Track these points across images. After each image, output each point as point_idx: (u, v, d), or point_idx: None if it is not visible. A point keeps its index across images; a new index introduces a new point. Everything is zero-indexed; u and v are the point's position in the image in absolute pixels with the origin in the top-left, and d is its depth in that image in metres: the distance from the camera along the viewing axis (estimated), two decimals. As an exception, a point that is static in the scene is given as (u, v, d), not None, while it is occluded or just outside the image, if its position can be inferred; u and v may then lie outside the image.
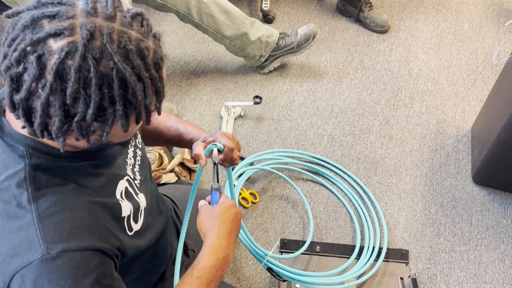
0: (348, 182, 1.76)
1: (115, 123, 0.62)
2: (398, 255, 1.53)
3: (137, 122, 0.65)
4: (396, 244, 1.58)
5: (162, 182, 1.54)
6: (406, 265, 1.51)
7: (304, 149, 1.87)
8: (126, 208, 0.77)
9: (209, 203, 0.91)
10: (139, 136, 0.95)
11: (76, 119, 0.59)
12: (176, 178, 1.57)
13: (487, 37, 2.40)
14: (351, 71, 2.24)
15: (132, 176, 0.84)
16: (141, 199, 0.83)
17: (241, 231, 1.37)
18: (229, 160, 0.97)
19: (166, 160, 1.56)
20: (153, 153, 1.56)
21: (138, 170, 0.88)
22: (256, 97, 1.96)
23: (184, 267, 1.09)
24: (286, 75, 2.19)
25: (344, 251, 1.53)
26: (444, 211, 1.69)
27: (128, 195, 0.79)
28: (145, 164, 0.93)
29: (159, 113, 0.68)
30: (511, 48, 1.65)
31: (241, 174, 1.66)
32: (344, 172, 1.80)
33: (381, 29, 2.39)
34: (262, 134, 1.93)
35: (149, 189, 0.90)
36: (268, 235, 1.59)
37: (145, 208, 0.84)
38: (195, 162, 1.70)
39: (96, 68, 0.57)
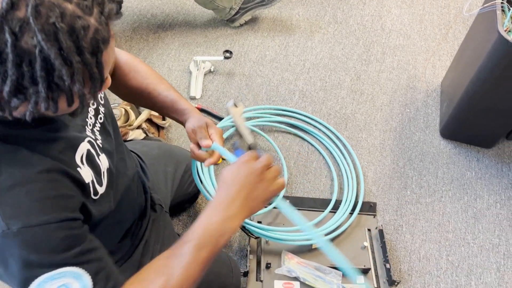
0: (323, 132, 1.76)
1: (39, 104, 0.56)
2: (366, 207, 1.56)
3: (68, 105, 0.59)
4: (365, 197, 1.61)
5: (129, 139, 1.50)
6: (374, 217, 1.54)
7: (275, 105, 1.85)
8: (87, 174, 0.72)
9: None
10: (103, 92, 0.90)
11: None
12: (144, 135, 1.54)
13: (460, -9, 2.38)
14: (323, 25, 2.19)
15: (93, 137, 0.79)
16: (103, 161, 0.79)
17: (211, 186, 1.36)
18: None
19: (132, 116, 1.52)
20: (119, 109, 1.51)
21: (98, 129, 0.83)
22: (226, 51, 1.91)
23: (151, 222, 1.08)
24: (258, 29, 2.13)
25: (318, 205, 1.54)
26: (412, 165, 1.72)
27: (89, 158, 0.74)
28: (108, 121, 0.88)
29: (94, 100, 0.62)
30: (482, 1, 1.63)
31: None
32: (318, 122, 1.79)
33: (355, -18, 2.34)
34: (233, 90, 1.90)
35: (112, 148, 0.86)
36: (239, 190, 1.59)
37: (107, 169, 0.80)
38: (164, 119, 1.66)
39: (14, 43, 0.50)
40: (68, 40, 0.52)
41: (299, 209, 1.52)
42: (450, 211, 1.60)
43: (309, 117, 1.81)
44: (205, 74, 1.92)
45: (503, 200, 1.64)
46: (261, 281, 1.34)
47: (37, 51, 0.51)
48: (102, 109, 0.86)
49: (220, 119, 1.77)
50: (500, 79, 1.45)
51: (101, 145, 0.81)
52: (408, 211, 1.59)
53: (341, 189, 1.60)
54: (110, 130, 0.89)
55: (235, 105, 0.74)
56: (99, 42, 0.56)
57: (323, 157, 1.70)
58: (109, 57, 0.61)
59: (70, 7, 0.52)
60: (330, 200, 1.55)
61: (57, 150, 0.68)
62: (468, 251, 1.51)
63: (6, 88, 0.53)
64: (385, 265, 1.40)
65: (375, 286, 1.37)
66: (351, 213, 1.51)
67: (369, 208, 1.56)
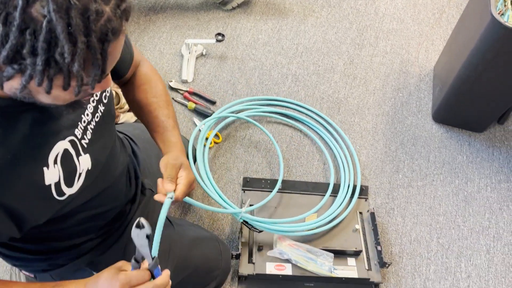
0: (315, 119, 1.76)
1: (34, 79, 0.54)
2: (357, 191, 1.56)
3: (64, 88, 0.57)
4: (357, 181, 1.61)
5: (120, 121, 1.48)
6: (366, 200, 1.55)
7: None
8: (52, 175, 0.70)
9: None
10: (108, 90, 0.86)
11: None
12: (135, 118, 1.52)
13: (454, -25, 2.37)
14: (317, 9, 2.17)
15: (79, 136, 0.76)
16: (83, 162, 0.77)
17: (214, 190, 1.39)
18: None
19: (123, 99, 1.50)
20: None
21: (92, 127, 0.81)
22: (219, 34, 1.89)
23: (141, 206, 1.07)
24: (250, 12, 2.11)
25: (310, 188, 1.55)
26: (404, 149, 1.73)
27: (65, 159, 0.72)
28: (107, 121, 0.86)
29: (92, 88, 0.59)
30: (476, -16, 1.62)
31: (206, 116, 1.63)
32: (310, 110, 1.79)
33: (349, -35, 2.31)
34: (225, 73, 1.88)
35: (102, 147, 0.84)
36: (231, 173, 1.59)
37: (88, 170, 0.78)
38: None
39: (24, 8, 0.49)
40: (78, 18, 0.51)
41: (292, 193, 1.52)
42: (441, 194, 1.61)
43: (300, 105, 1.80)
44: (197, 58, 1.90)
45: (493, 184, 1.65)
46: (253, 263, 1.34)
47: (44, 22, 0.50)
48: (101, 108, 0.83)
49: (212, 103, 1.76)
50: (493, 62, 1.45)
51: (85, 145, 0.78)
52: (399, 195, 1.60)
53: (337, 174, 1.60)
54: (106, 130, 0.86)
55: (139, 226, 0.72)
56: (109, 31, 0.55)
57: (316, 142, 1.70)
58: (115, 51, 0.59)
59: None
60: (323, 183, 1.56)
61: (30, 146, 0.66)
62: (458, 234, 1.52)
63: (4, 53, 0.51)
64: (376, 248, 1.41)
65: (367, 268, 1.38)
66: (351, 197, 1.53)
67: (361, 191, 1.56)
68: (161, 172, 0.90)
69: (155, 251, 0.75)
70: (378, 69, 1.98)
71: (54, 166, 0.70)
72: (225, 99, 1.79)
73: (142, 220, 0.72)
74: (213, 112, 1.71)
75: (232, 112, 1.68)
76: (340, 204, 1.48)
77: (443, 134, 1.78)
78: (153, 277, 0.75)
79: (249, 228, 1.33)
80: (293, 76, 1.90)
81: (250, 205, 1.37)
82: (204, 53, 1.91)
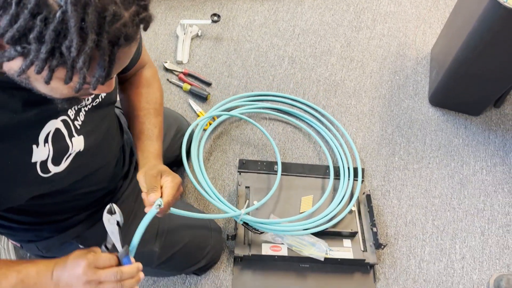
0: (309, 112, 1.75)
1: (34, 65, 0.53)
2: (354, 173, 1.56)
3: (65, 82, 0.56)
4: (354, 163, 1.61)
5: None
6: (362, 182, 1.55)
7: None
8: (42, 153, 0.69)
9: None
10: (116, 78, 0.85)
11: None
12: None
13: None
14: (314, -10, 2.14)
15: (72, 117, 0.75)
16: (76, 142, 0.76)
17: (213, 195, 1.35)
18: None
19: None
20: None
21: (87, 110, 0.79)
22: (214, 15, 1.86)
23: (133, 182, 1.06)
24: (246, -7, 2.08)
25: (306, 170, 1.54)
26: (400, 132, 1.72)
27: (57, 138, 0.71)
28: (104, 105, 0.84)
29: (93, 89, 0.58)
30: (475, -35, 1.60)
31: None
32: (300, 102, 1.77)
33: None
34: (220, 55, 1.85)
35: (96, 130, 0.82)
36: (227, 156, 1.58)
37: (79, 152, 0.77)
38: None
39: None
40: (94, 16, 0.50)
41: (290, 175, 1.52)
42: (437, 177, 1.61)
43: (292, 99, 1.75)
44: (192, 39, 1.87)
45: (489, 167, 1.66)
46: (249, 244, 1.34)
47: (59, 11, 0.49)
48: (103, 94, 0.82)
49: (208, 84, 1.74)
50: (491, 44, 1.43)
51: (78, 127, 0.76)
52: (395, 177, 1.60)
53: (334, 157, 1.59)
54: (102, 114, 0.84)
55: (111, 211, 0.71)
56: (122, 36, 0.54)
57: (310, 133, 1.69)
58: (125, 57, 0.58)
59: None
60: (320, 165, 1.55)
61: (25, 120, 0.65)
62: (453, 216, 1.53)
63: (10, 33, 0.50)
64: (372, 229, 1.41)
65: (362, 249, 1.38)
66: (355, 180, 1.52)
67: (356, 173, 1.56)
68: (141, 184, 0.86)
69: (132, 251, 0.75)
70: (375, 52, 1.96)
71: (45, 145, 0.69)
72: (220, 80, 1.77)
73: (114, 206, 0.71)
74: (208, 94, 1.69)
75: (225, 110, 1.65)
76: (342, 200, 1.45)
77: (440, 117, 1.78)
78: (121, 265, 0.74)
79: (250, 230, 1.31)
80: (289, 58, 1.88)
81: (247, 208, 1.31)
82: (199, 34, 1.88)
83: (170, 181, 0.85)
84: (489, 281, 1.40)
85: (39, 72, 0.53)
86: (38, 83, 0.58)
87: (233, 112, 1.63)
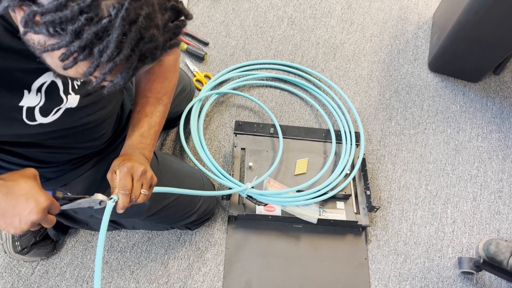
0: (304, 78, 1.72)
1: (59, 51, 0.54)
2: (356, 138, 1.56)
3: (84, 75, 0.57)
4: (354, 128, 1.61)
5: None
6: (357, 146, 1.55)
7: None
8: (31, 100, 0.69)
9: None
10: None
11: None
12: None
13: None
14: (315, -51, 2.07)
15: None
16: (70, 99, 0.76)
17: (216, 171, 1.36)
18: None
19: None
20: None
21: None
22: (212, -28, 1.80)
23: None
24: (246, -49, 2.01)
25: (302, 133, 1.54)
26: (398, 97, 1.71)
27: (51, 90, 0.71)
28: None
29: (102, 86, 0.59)
30: None
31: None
32: (298, 68, 1.74)
33: None
34: (218, 14, 1.81)
35: (95, 93, 0.81)
36: (223, 117, 1.57)
37: (71, 109, 0.77)
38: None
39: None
40: (135, 34, 0.53)
41: (285, 137, 1.52)
42: (432, 143, 1.62)
43: (289, 66, 1.72)
44: (189, -3, 1.82)
45: (484, 134, 1.66)
46: (243, 204, 1.35)
47: (106, 19, 0.51)
48: None
49: (205, 44, 1.71)
50: (494, 7, 1.40)
51: (76, 87, 0.77)
52: (391, 142, 1.60)
53: (333, 121, 1.58)
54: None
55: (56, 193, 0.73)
56: (149, 56, 0.57)
57: (306, 99, 1.67)
58: (142, 69, 0.61)
59: (158, 16, 0.55)
60: (318, 129, 1.55)
61: (17, 66, 0.64)
62: (446, 181, 1.54)
63: (51, 16, 0.50)
64: (365, 192, 1.42)
65: (355, 211, 1.40)
66: (357, 145, 1.52)
67: (354, 137, 1.55)
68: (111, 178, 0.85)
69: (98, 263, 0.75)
70: (376, 15, 1.92)
71: (37, 94, 0.70)
72: (218, 40, 1.74)
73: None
74: (205, 54, 1.66)
75: (216, 87, 1.62)
76: (345, 167, 1.45)
77: (438, 83, 1.76)
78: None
79: (254, 203, 1.31)
80: (289, 19, 1.85)
81: (254, 181, 1.32)
82: (197, -8, 1.83)
83: (119, 172, 0.84)
84: (478, 244, 1.43)
85: (63, 60, 0.54)
86: (51, 59, 0.58)
87: (224, 89, 1.58)
